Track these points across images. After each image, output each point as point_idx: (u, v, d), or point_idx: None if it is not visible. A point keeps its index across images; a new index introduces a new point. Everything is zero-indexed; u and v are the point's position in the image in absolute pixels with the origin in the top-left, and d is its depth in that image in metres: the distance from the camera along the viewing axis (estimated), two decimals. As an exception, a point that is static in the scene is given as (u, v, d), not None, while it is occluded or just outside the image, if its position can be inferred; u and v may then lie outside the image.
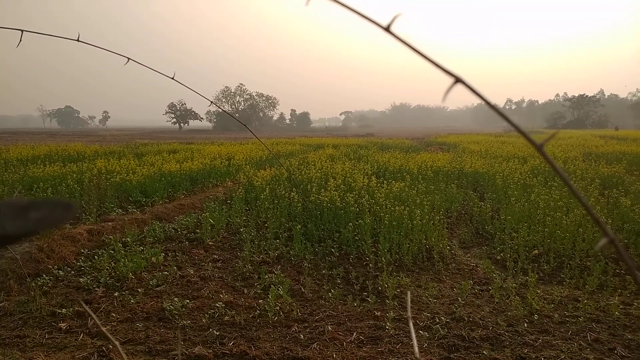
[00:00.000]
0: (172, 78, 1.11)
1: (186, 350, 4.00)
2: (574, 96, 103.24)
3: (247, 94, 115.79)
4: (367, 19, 0.45)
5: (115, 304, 4.96)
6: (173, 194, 11.03)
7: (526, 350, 4.00)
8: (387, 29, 0.45)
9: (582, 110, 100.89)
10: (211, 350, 4.00)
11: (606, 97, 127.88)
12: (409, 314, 0.70)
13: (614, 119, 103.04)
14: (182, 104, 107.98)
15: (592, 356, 3.89)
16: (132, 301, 5.02)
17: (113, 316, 4.66)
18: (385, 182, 9.79)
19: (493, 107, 0.46)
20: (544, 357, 3.85)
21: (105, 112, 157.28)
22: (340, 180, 9.79)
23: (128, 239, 7.08)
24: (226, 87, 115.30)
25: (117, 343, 0.66)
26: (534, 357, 3.85)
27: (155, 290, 5.37)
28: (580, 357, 3.89)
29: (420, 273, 6.07)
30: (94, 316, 0.71)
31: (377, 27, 0.45)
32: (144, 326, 4.50)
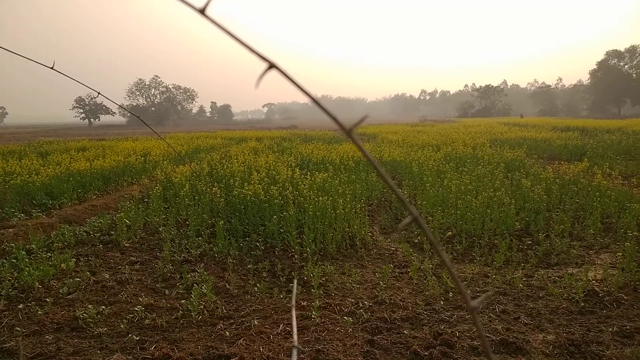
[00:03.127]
0: (52, 68, 1.02)
1: (103, 359, 3.77)
2: (481, 86, 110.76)
3: (163, 87, 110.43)
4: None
5: (20, 317, 4.55)
6: (84, 194, 10.29)
7: (443, 326, 4.26)
8: (202, 12, 0.44)
9: (489, 99, 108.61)
10: (131, 357, 3.81)
11: (509, 87, 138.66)
12: (294, 302, 0.70)
13: (516, 107, 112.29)
14: (92, 98, 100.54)
15: (500, 326, 4.23)
16: (40, 312, 4.63)
17: (18, 330, 4.27)
18: (309, 173, 9.88)
19: (308, 95, 0.47)
20: (459, 331, 4.13)
21: (1, 108, 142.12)
22: (264, 173, 9.72)
23: (33, 246, 6.51)
24: (140, 79, 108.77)
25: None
26: (449, 332, 4.11)
27: (67, 299, 5.00)
28: (490, 327, 4.22)
29: (344, 260, 6.22)
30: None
31: (191, 9, 0.44)
32: (55, 338, 4.17)
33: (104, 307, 4.74)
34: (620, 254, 5.74)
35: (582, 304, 4.62)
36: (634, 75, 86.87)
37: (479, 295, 4.95)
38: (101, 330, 4.27)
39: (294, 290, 0.75)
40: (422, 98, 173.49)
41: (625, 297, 4.72)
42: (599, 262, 5.93)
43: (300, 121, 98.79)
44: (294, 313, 0.68)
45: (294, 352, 0.59)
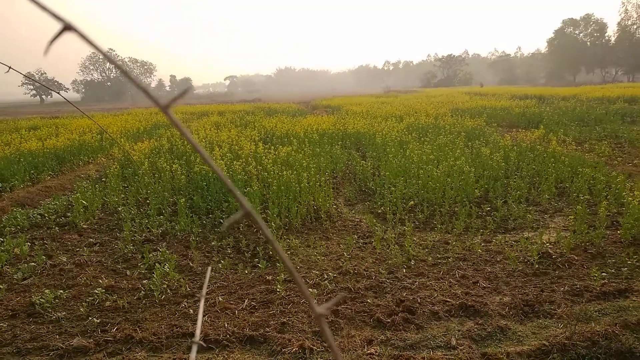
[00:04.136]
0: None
1: (62, 344, 3.68)
2: (443, 56, 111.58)
3: (118, 60, 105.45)
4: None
5: (-29, 306, 4.36)
6: (37, 175, 9.85)
7: (405, 293, 4.37)
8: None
9: (451, 69, 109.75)
10: (92, 340, 3.73)
11: (470, 56, 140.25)
12: (204, 292, 0.65)
13: (477, 76, 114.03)
14: (42, 74, 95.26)
15: (459, 291, 4.37)
16: (-7, 300, 4.45)
17: (-31, 320, 4.09)
18: (272, 147, 9.77)
19: (107, 57, 0.43)
20: (420, 297, 4.24)
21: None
22: (226, 149, 9.55)
23: (-18, 231, 6.21)
24: (93, 53, 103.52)
25: None
26: (411, 298, 4.22)
27: (22, 284, 4.83)
28: (450, 292, 4.36)
29: (309, 233, 6.24)
30: None
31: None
32: (10, 325, 4.04)
33: (62, 291, 4.60)
34: (572, 217, 6.01)
35: (537, 266, 4.83)
36: (589, 43, 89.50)
37: (439, 262, 5.09)
38: (60, 314, 4.15)
39: (206, 280, 0.71)
40: (385, 69, 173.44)
41: (576, 258, 4.97)
42: (553, 226, 6.19)
43: (263, 94, 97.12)
44: (202, 305, 0.64)
45: (194, 348, 0.56)
